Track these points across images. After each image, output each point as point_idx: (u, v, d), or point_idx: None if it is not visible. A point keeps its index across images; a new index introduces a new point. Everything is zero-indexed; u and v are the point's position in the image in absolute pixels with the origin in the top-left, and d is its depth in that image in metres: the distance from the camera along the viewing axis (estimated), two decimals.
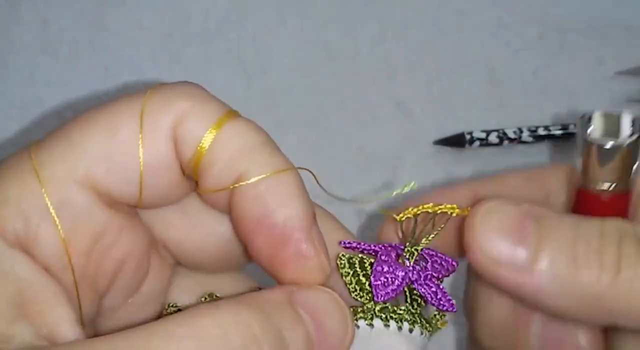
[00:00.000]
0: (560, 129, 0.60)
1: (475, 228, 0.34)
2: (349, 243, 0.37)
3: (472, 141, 0.60)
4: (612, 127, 0.35)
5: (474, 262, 0.34)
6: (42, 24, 0.62)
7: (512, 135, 0.60)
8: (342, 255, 0.36)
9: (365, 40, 0.64)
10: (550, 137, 0.60)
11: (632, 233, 0.34)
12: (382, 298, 0.36)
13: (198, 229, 0.36)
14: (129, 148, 0.33)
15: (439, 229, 0.37)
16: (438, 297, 0.36)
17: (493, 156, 0.61)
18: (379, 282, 0.36)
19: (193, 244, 0.37)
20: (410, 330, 0.36)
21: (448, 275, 0.37)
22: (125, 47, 0.62)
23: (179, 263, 0.38)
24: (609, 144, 0.35)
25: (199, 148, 0.33)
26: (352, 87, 0.63)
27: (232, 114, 0.36)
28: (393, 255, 0.36)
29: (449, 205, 0.37)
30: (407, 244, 0.37)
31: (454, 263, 0.37)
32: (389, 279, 0.36)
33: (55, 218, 0.33)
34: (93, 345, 0.29)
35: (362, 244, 0.37)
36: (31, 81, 0.61)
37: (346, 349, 0.34)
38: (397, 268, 0.36)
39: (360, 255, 0.37)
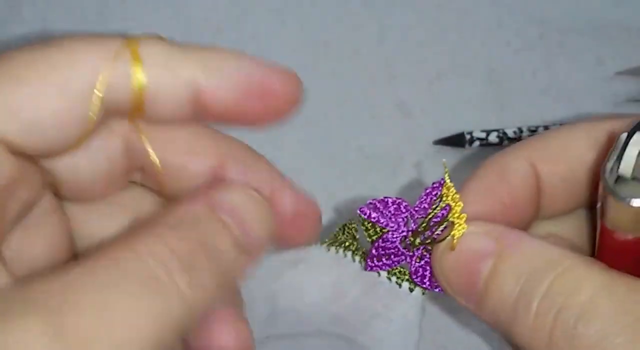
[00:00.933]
0: None
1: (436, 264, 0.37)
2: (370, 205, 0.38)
3: (472, 141, 0.60)
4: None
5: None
6: (42, 24, 0.62)
7: (512, 135, 0.60)
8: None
9: (365, 40, 0.64)
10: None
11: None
12: (370, 269, 0.38)
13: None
14: (34, 99, 0.32)
15: (440, 231, 0.37)
16: (426, 282, 0.38)
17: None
18: (374, 255, 0.38)
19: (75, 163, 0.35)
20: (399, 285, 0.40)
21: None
22: None
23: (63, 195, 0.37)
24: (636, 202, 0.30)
25: (136, 86, 0.33)
26: (352, 87, 0.63)
27: (131, 41, 0.34)
28: (400, 231, 0.38)
29: (457, 214, 0.37)
30: (412, 234, 0.38)
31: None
32: (384, 259, 0.38)
33: None
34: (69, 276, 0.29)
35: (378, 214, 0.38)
36: None
37: (266, 234, 0.35)
38: (398, 252, 0.38)
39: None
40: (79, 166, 0.35)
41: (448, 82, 0.63)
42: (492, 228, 0.36)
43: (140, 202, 0.39)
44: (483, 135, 0.60)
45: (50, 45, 0.34)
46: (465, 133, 0.60)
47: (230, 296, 0.37)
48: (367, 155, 0.61)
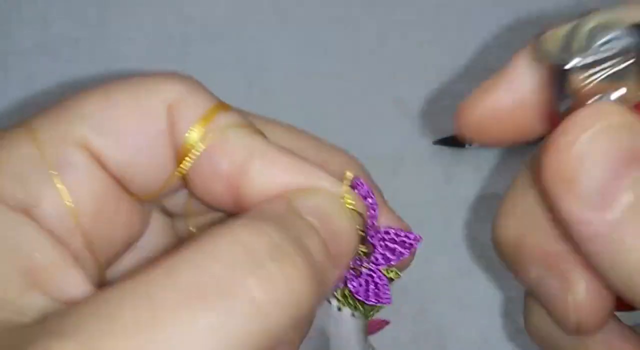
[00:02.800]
0: None
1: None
2: None
3: (472, 141, 0.60)
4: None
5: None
6: (42, 24, 0.63)
7: None
8: None
9: (365, 40, 0.64)
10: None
11: None
12: None
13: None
14: (125, 117, 0.32)
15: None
16: (369, 291, 0.35)
17: (493, 156, 0.61)
18: None
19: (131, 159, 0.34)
20: (339, 309, 0.36)
21: (406, 254, 0.35)
22: (125, 47, 0.62)
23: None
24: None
25: (186, 142, 0.33)
26: (352, 87, 0.63)
27: (222, 106, 0.35)
28: None
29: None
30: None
31: (413, 240, 0.35)
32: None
33: (58, 180, 0.31)
34: (114, 292, 0.26)
35: None
36: (31, 81, 0.61)
37: (355, 246, 0.32)
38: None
39: None
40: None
41: (448, 82, 0.63)
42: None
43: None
44: None
45: (151, 90, 0.34)
46: None
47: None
48: (367, 155, 0.61)
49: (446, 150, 0.61)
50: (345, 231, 0.31)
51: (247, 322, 0.25)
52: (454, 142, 0.60)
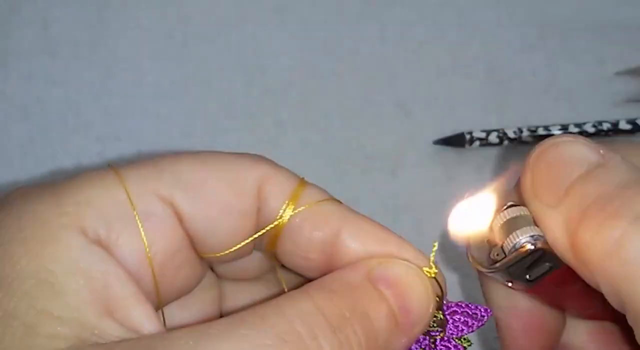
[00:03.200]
0: (561, 129, 0.60)
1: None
2: None
3: (472, 141, 0.60)
4: None
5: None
6: (42, 24, 0.62)
7: (512, 135, 0.60)
8: None
9: (365, 40, 0.64)
10: (550, 137, 0.60)
11: None
12: None
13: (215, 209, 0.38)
14: (214, 185, 0.36)
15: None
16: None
17: (493, 156, 0.61)
18: None
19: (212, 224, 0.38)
20: None
21: (479, 326, 0.38)
22: (125, 47, 0.62)
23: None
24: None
25: (279, 221, 0.37)
26: (352, 87, 0.63)
27: (305, 182, 0.38)
28: None
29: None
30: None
31: (484, 313, 0.38)
32: None
33: (140, 225, 0.34)
34: (177, 335, 0.30)
35: None
36: (31, 81, 0.61)
37: (429, 318, 0.35)
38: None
39: None
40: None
41: (448, 82, 0.63)
42: (596, 145, 0.34)
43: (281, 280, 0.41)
44: (483, 135, 0.60)
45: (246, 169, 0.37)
46: (465, 133, 0.60)
47: None
48: (367, 155, 0.61)
49: (446, 150, 0.61)
50: (418, 302, 0.34)
51: None
52: (454, 142, 0.61)
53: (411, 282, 0.35)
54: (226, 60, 0.63)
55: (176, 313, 0.39)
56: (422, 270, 0.36)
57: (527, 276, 0.36)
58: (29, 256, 0.32)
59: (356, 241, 0.36)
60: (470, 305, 0.38)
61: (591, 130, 0.60)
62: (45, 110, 0.61)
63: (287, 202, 0.36)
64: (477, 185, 0.60)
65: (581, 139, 0.35)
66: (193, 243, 0.37)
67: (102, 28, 0.63)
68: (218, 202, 0.36)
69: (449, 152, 0.61)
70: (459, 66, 0.63)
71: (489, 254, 0.36)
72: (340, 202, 0.38)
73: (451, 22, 0.65)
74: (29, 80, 0.61)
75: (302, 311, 0.31)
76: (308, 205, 0.36)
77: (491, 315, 0.38)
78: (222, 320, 0.31)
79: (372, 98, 0.62)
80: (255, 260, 0.40)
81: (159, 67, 0.62)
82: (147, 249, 0.34)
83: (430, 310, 0.35)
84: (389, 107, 0.62)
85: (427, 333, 0.37)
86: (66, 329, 0.30)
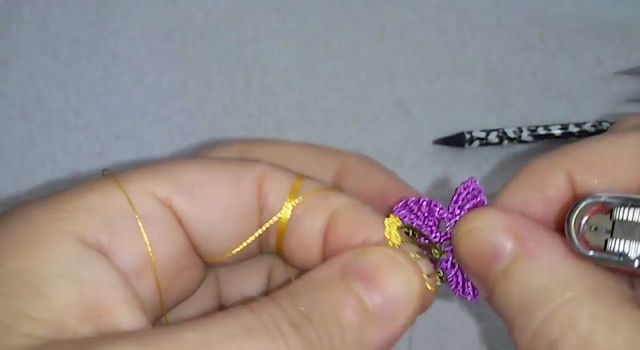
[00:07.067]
0: (560, 129, 0.61)
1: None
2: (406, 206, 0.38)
3: (472, 141, 0.60)
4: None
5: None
6: (42, 24, 0.62)
7: (512, 135, 0.60)
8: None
9: (365, 40, 0.64)
10: (550, 137, 0.61)
11: None
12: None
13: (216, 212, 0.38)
14: (215, 187, 0.36)
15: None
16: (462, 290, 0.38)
17: (493, 156, 0.61)
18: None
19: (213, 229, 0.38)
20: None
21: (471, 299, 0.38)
22: (125, 47, 0.62)
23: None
24: None
25: (281, 219, 0.36)
26: (352, 87, 0.63)
27: (302, 176, 0.38)
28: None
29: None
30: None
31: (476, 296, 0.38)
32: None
33: (142, 229, 0.34)
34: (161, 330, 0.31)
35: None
36: (31, 81, 0.61)
37: (415, 309, 0.34)
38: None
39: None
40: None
41: (448, 82, 0.63)
42: (515, 224, 0.34)
43: (275, 270, 0.42)
44: (483, 135, 0.60)
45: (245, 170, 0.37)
46: (465, 133, 0.60)
47: None
48: (366, 155, 0.61)
49: (446, 150, 0.61)
50: (397, 292, 0.34)
51: None
52: (454, 142, 0.61)
53: (388, 272, 0.34)
54: (226, 60, 0.63)
55: (174, 314, 0.39)
56: (407, 254, 0.35)
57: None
58: (19, 259, 0.32)
59: (347, 228, 0.35)
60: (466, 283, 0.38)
61: (591, 130, 0.60)
62: (45, 110, 0.61)
63: (287, 197, 0.36)
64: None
65: (497, 218, 0.35)
66: (195, 246, 0.37)
67: (102, 28, 0.63)
68: (218, 202, 0.36)
69: (449, 152, 0.61)
70: (458, 66, 0.63)
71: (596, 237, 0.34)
72: (341, 190, 0.37)
73: (451, 22, 0.65)
74: (29, 80, 0.61)
75: (269, 310, 0.32)
76: (307, 195, 0.36)
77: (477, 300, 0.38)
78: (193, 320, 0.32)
79: (372, 98, 0.62)
80: (258, 265, 0.40)
81: (159, 67, 0.62)
82: (151, 254, 0.35)
83: (416, 300, 0.34)
84: (388, 107, 0.62)
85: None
86: (43, 330, 0.30)
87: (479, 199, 0.37)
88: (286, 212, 0.36)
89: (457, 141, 0.60)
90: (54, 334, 0.31)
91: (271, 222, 0.36)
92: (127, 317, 0.32)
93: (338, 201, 0.36)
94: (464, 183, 0.38)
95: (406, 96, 0.63)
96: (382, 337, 0.33)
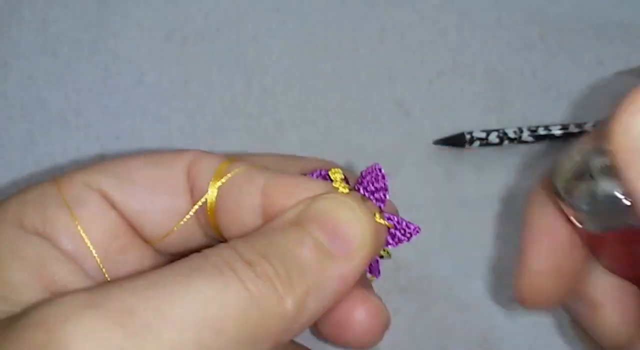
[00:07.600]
0: (560, 129, 0.61)
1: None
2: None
3: (472, 141, 0.60)
4: None
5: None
6: (42, 24, 0.63)
7: (512, 135, 0.60)
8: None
9: (365, 40, 0.64)
10: (550, 137, 0.61)
11: None
12: None
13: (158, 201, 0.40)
14: (143, 172, 0.38)
15: None
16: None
17: (493, 156, 0.61)
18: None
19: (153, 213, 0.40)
20: None
21: (404, 240, 0.39)
22: (125, 47, 0.62)
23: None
24: None
25: (207, 196, 0.37)
26: (352, 87, 0.63)
27: (231, 159, 0.39)
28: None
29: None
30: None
31: (413, 230, 0.39)
32: None
33: (72, 211, 0.37)
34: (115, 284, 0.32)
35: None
36: (31, 81, 0.61)
37: (373, 242, 0.35)
38: None
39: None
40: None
41: (448, 82, 0.63)
42: None
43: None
44: (483, 135, 0.60)
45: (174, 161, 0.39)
46: (465, 133, 0.60)
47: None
48: (367, 155, 0.61)
49: (446, 150, 0.61)
50: (350, 227, 0.35)
51: (217, 306, 0.31)
52: (454, 142, 0.61)
53: (339, 211, 0.35)
54: (226, 60, 0.63)
55: None
56: (355, 195, 0.36)
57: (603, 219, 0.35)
58: None
59: (281, 193, 0.36)
60: (401, 220, 0.38)
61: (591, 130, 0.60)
62: (45, 110, 0.61)
63: (215, 172, 0.38)
64: (477, 185, 0.60)
65: None
66: (134, 227, 0.38)
67: (102, 28, 0.63)
68: (145, 182, 0.38)
69: (449, 152, 0.61)
70: (458, 66, 0.63)
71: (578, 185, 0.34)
72: (267, 169, 0.38)
73: (451, 22, 0.65)
74: (29, 80, 0.61)
75: (221, 252, 0.32)
76: (231, 174, 0.37)
77: (419, 233, 0.38)
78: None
79: (372, 98, 0.62)
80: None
81: (159, 67, 0.62)
82: (83, 232, 0.37)
83: (370, 235, 0.35)
84: (388, 107, 0.62)
85: None
86: (5, 306, 0.34)
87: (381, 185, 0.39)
88: (213, 193, 0.37)
89: (457, 141, 0.60)
90: (15, 308, 0.33)
91: (199, 203, 0.38)
92: (80, 287, 0.35)
93: (265, 175, 0.37)
94: (367, 168, 0.40)
95: (406, 96, 0.63)
96: (340, 273, 0.34)
